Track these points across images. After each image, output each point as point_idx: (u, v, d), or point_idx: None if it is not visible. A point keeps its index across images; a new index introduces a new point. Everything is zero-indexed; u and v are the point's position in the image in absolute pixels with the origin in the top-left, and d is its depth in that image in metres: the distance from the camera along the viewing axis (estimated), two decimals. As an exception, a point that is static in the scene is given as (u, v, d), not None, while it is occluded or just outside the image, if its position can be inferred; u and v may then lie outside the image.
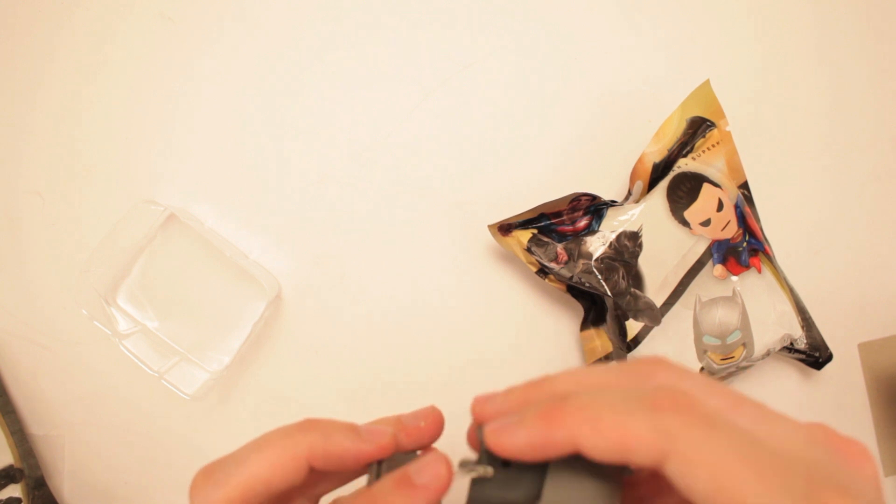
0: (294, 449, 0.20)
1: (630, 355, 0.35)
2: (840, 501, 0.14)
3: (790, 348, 0.37)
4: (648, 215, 0.35)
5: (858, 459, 0.17)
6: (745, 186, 0.37)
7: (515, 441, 0.18)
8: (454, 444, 0.39)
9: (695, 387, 0.17)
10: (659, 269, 0.35)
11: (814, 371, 0.40)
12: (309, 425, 0.21)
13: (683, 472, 0.15)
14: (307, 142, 0.39)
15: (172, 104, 0.39)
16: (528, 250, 0.36)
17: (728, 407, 0.17)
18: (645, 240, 0.35)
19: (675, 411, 0.16)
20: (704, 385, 0.17)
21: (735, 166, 0.37)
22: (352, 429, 0.20)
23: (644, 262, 0.35)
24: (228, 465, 0.20)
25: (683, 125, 0.36)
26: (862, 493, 0.15)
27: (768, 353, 0.36)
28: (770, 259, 0.37)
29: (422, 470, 0.19)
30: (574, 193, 0.35)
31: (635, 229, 0.35)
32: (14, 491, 0.37)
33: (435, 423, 0.24)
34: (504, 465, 0.19)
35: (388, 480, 0.19)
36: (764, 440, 0.16)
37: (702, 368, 0.35)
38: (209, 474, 0.20)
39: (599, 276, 0.35)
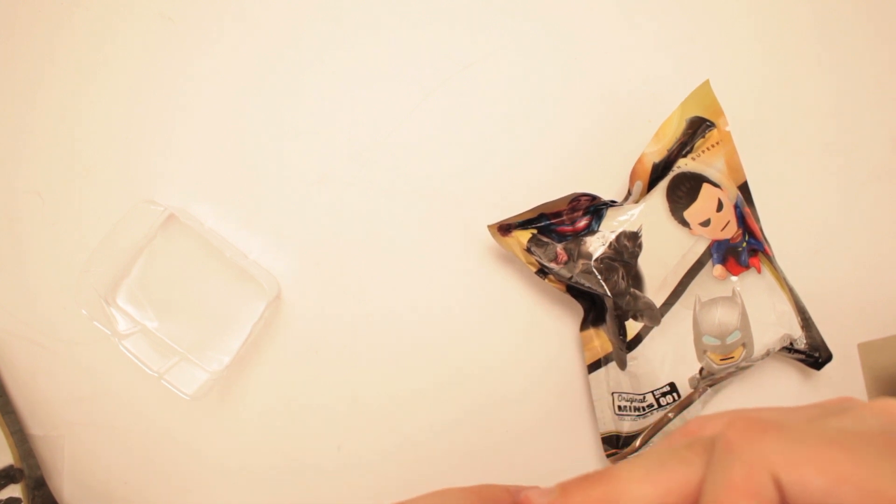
0: None
1: (630, 355, 0.35)
2: None
3: (790, 348, 0.37)
4: (648, 215, 0.35)
5: None
6: (744, 186, 0.37)
7: None
8: (453, 443, 0.39)
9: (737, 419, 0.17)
10: (658, 269, 0.35)
11: (814, 371, 0.40)
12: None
13: (794, 480, 0.15)
14: (307, 142, 0.39)
15: (172, 104, 0.39)
16: (528, 250, 0.36)
17: (777, 412, 0.17)
18: (644, 240, 0.35)
19: (749, 435, 0.16)
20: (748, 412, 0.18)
21: (735, 166, 0.37)
22: None
23: (644, 263, 0.35)
24: None
25: (683, 125, 0.36)
26: None
27: (768, 354, 0.36)
28: (770, 259, 0.37)
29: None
30: (574, 193, 0.35)
31: (635, 229, 0.35)
32: (14, 491, 0.37)
33: None
34: None
35: None
36: (833, 422, 0.16)
37: (701, 369, 0.35)
38: None
39: (599, 277, 0.35)
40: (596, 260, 0.35)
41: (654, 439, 0.37)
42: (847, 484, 0.15)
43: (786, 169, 0.41)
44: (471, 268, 0.39)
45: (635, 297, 0.35)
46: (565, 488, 0.19)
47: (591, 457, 0.39)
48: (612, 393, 0.37)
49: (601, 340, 0.37)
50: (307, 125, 0.39)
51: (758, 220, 0.38)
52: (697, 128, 0.36)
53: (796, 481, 0.15)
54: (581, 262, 0.35)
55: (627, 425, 0.37)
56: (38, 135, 0.39)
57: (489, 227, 0.36)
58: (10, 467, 0.37)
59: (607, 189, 0.39)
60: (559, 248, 0.35)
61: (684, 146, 0.36)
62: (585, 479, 0.19)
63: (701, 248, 0.35)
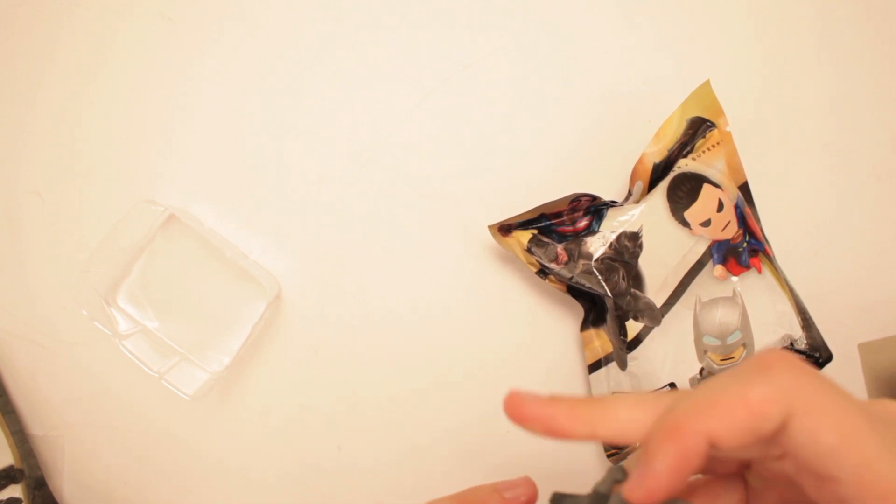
0: None
1: (630, 355, 0.35)
2: None
3: (790, 348, 0.37)
4: (649, 216, 0.35)
5: None
6: (745, 187, 0.37)
7: (659, 478, 0.16)
8: (453, 443, 0.39)
9: None
10: (659, 269, 0.35)
11: (814, 371, 0.40)
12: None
13: (809, 426, 0.15)
14: (307, 142, 0.39)
15: (172, 104, 0.39)
16: (529, 251, 0.36)
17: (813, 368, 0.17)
18: (645, 240, 0.35)
19: (788, 366, 0.16)
20: None
21: (735, 167, 0.37)
22: None
23: (644, 263, 0.35)
24: None
25: (683, 125, 0.36)
26: None
27: (768, 354, 0.36)
28: (770, 259, 0.37)
29: (510, 486, 0.20)
30: (574, 194, 0.35)
31: (635, 230, 0.35)
32: (14, 491, 0.37)
33: (532, 495, 0.24)
34: None
35: None
36: (857, 399, 0.16)
37: (702, 369, 0.35)
38: None
39: (599, 277, 0.35)
40: (596, 260, 0.35)
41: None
42: (854, 453, 0.15)
43: (786, 169, 0.40)
44: (471, 268, 0.39)
45: (636, 298, 0.35)
46: (555, 397, 0.19)
47: (591, 457, 0.39)
48: (613, 393, 0.37)
49: (602, 341, 0.37)
50: (307, 125, 0.39)
51: (758, 220, 0.38)
52: (698, 128, 0.36)
53: (808, 428, 0.15)
54: (581, 262, 0.35)
55: (627, 425, 0.37)
56: (38, 135, 0.39)
57: (489, 227, 0.36)
58: (11, 467, 0.37)
59: (607, 189, 0.39)
60: (560, 248, 0.35)
61: (685, 146, 0.36)
62: (577, 398, 0.19)
63: (701, 248, 0.35)
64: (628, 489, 0.17)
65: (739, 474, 0.20)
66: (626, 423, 0.18)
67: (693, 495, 0.20)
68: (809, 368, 0.16)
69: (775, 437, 0.16)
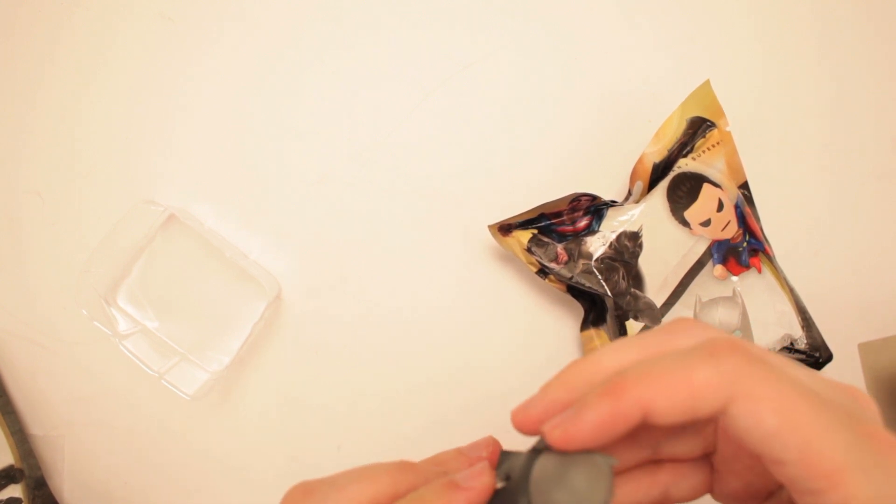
0: (394, 488, 0.20)
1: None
2: (885, 434, 0.16)
3: (790, 348, 0.37)
4: (649, 215, 0.35)
5: (869, 404, 0.18)
6: (745, 186, 0.37)
7: (583, 427, 0.17)
8: (453, 444, 0.39)
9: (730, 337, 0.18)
10: (659, 269, 0.35)
11: (814, 371, 0.40)
12: (409, 467, 0.21)
13: (750, 409, 0.16)
14: (307, 142, 0.39)
15: (172, 104, 0.39)
16: (529, 250, 0.36)
17: (771, 355, 0.17)
18: (645, 240, 0.35)
19: (734, 353, 0.16)
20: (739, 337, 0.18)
21: (735, 166, 0.37)
22: (450, 486, 0.20)
23: (644, 263, 0.35)
24: (328, 488, 0.20)
25: (683, 125, 0.36)
26: (889, 432, 0.16)
27: (768, 354, 0.36)
28: (770, 259, 0.37)
29: (469, 477, 0.20)
30: (574, 193, 0.35)
31: (635, 229, 0.35)
32: (14, 491, 0.37)
33: (496, 454, 0.24)
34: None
35: (436, 483, 0.20)
36: (807, 381, 0.17)
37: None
38: (309, 493, 0.20)
39: (600, 277, 0.35)
40: (596, 260, 0.35)
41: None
42: (796, 435, 0.15)
43: (786, 169, 0.41)
44: (471, 268, 0.39)
45: (636, 297, 0.35)
46: (544, 386, 0.20)
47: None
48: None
49: (602, 340, 0.37)
50: (307, 125, 0.39)
51: (758, 220, 0.38)
52: (698, 128, 0.36)
53: (750, 412, 0.16)
54: (581, 262, 0.35)
55: (628, 425, 0.37)
56: (38, 135, 0.39)
57: (489, 227, 0.36)
58: (11, 467, 0.37)
59: (607, 189, 0.39)
60: (560, 248, 0.35)
61: (685, 146, 0.36)
62: (562, 372, 0.20)
63: (701, 248, 0.35)
64: (550, 425, 0.18)
65: (706, 458, 0.21)
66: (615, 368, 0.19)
67: (659, 473, 0.21)
68: (757, 354, 0.17)
69: (717, 419, 0.17)
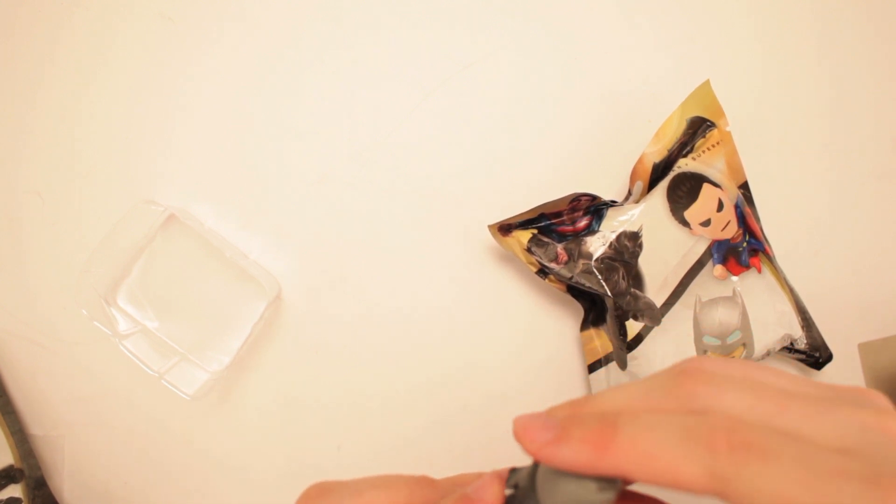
0: (410, 499, 0.20)
1: (630, 355, 0.35)
2: None
3: (790, 348, 0.37)
4: (648, 215, 0.35)
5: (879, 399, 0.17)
6: (745, 186, 0.37)
7: (560, 457, 0.18)
8: (453, 444, 0.39)
9: (739, 399, 0.17)
10: (659, 269, 0.35)
11: (814, 371, 0.40)
12: (428, 483, 0.22)
13: (738, 498, 0.16)
14: (307, 142, 0.39)
15: (172, 104, 0.39)
16: (528, 250, 0.36)
17: (775, 412, 0.17)
18: (645, 240, 0.35)
19: (730, 451, 0.16)
20: (749, 392, 0.17)
21: (735, 166, 0.37)
22: (462, 499, 0.20)
23: (644, 263, 0.35)
24: (344, 491, 0.21)
25: (683, 125, 0.36)
26: None
27: (768, 354, 0.36)
28: (770, 259, 0.37)
29: (479, 489, 0.20)
30: (574, 193, 0.35)
31: (635, 229, 0.35)
32: (14, 491, 0.37)
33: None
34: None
35: (449, 498, 0.20)
36: (816, 440, 0.16)
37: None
38: (326, 493, 0.21)
39: (599, 277, 0.35)
40: (596, 260, 0.35)
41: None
42: None
43: (786, 169, 0.41)
44: (471, 268, 0.39)
45: (636, 297, 0.35)
46: (552, 409, 0.21)
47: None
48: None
49: (601, 340, 0.37)
50: (307, 125, 0.39)
51: (758, 220, 0.38)
52: (698, 128, 0.36)
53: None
54: (581, 262, 0.35)
55: (627, 425, 0.37)
56: (38, 135, 0.39)
57: (489, 227, 0.36)
58: (11, 467, 0.37)
59: (607, 189, 0.39)
60: (559, 248, 0.35)
61: (685, 146, 0.36)
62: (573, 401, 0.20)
63: (701, 248, 0.35)
64: (536, 444, 0.19)
65: None
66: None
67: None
68: (756, 441, 0.16)
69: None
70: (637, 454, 0.17)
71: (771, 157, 0.40)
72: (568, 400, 0.21)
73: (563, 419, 0.19)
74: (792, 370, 0.40)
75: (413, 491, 0.20)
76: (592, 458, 0.17)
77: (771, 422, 0.16)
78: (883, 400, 0.18)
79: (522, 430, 0.20)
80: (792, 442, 0.16)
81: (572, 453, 0.18)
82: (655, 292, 0.35)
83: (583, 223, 0.36)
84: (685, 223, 0.35)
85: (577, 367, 0.39)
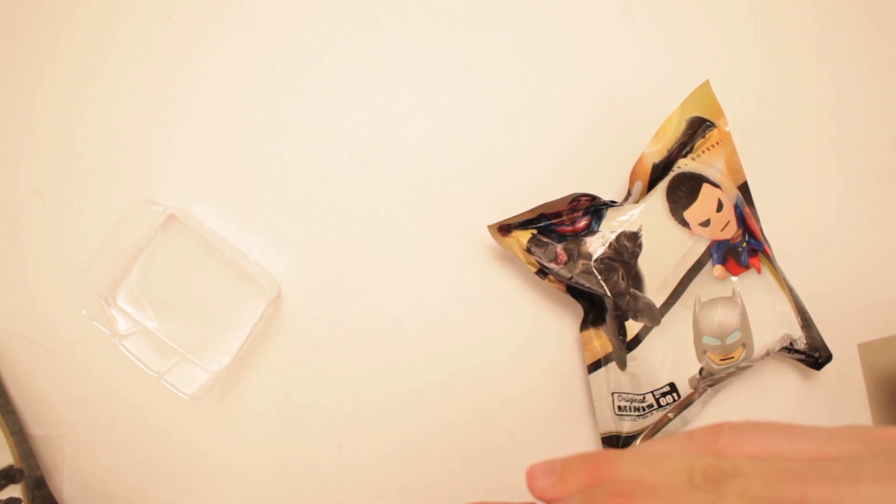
0: None
1: (630, 355, 0.35)
2: None
3: (790, 348, 0.37)
4: (648, 216, 0.35)
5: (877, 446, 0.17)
6: (744, 187, 0.37)
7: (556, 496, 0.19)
8: (453, 444, 0.39)
9: (755, 470, 0.17)
10: (658, 269, 0.35)
11: (813, 371, 0.40)
12: None
13: None
14: (307, 142, 0.39)
15: (172, 104, 0.39)
16: (528, 251, 0.36)
17: (792, 490, 0.17)
18: (644, 240, 0.35)
19: None
20: (773, 477, 0.17)
21: (735, 167, 0.37)
22: None
23: (644, 263, 0.35)
24: None
25: (683, 125, 0.36)
26: None
27: (768, 354, 0.36)
28: (770, 259, 0.37)
29: None
30: (574, 194, 0.35)
31: (635, 230, 0.35)
32: (14, 491, 0.37)
33: None
34: None
35: None
36: None
37: (701, 369, 0.35)
38: None
39: (599, 277, 0.35)
40: (596, 260, 0.35)
41: (655, 439, 0.37)
42: None
43: (786, 169, 0.41)
44: (471, 268, 0.39)
45: (635, 298, 0.35)
46: (566, 466, 0.21)
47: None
48: (613, 393, 0.37)
49: (601, 341, 0.37)
50: (307, 125, 0.39)
51: (758, 220, 0.38)
52: (697, 128, 0.36)
53: None
54: (581, 262, 0.35)
55: (627, 425, 0.37)
56: (38, 135, 0.39)
57: (489, 227, 0.36)
58: (10, 467, 0.37)
59: (607, 189, 0.39)
60: (559, 248, 0.35)
61: (684, 146, 0.36)
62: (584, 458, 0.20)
63: (701, 248, 0.35)
64: (535, 482, 0.20)
65: None
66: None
67: None
68: None
69: None
70: None
71: (771, 157, 0.40)
72: (584, 456, 0.21)
73: (580, 499, 0.19)
74: (792, 370, 0.40)
75: None
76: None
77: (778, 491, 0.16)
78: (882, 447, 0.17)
79: (531, 480, 0.21)
80: None
81: None
82: (655, 292, 0.35)
83: (582, 223, 0.36)
84: (685, 223, 0.35)
85: (576, 367, 0.39)
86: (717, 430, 0.19)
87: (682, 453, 0.19)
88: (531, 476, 0.21)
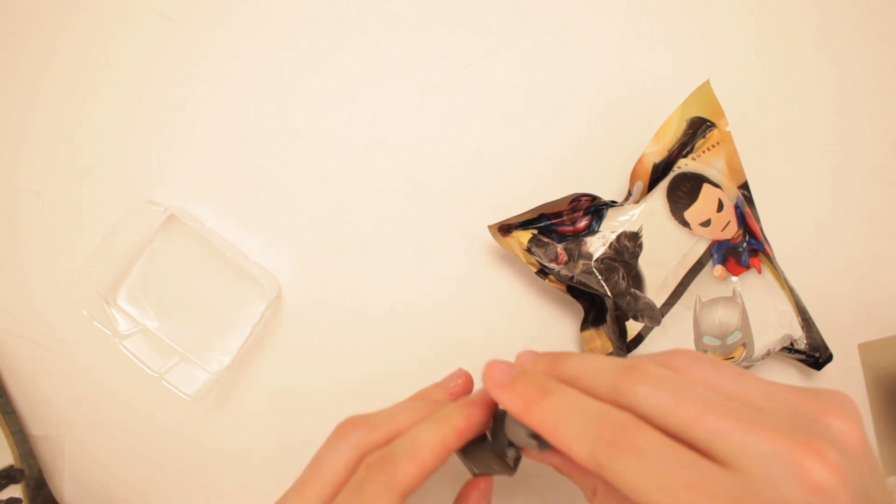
0: (423, 415, 0.27)
1: (630, 355, 0.35)
2: None
3: (790, 348, 0.37)
4: (648, 216, 0.35)
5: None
6: (745, 187, 0.37)
7: (500, 400, 0.24)
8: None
9: (660, 404, 0.20)
10: (659, 269, 0.35)
11: (814, 371, 0.40)
12: (424, 398, 0.30)
13: (612, 482, 0.19)
14: (307, 142, 0.39)
15: (172, 104, 0.39)
16: (529, 251, 0.36)
17: (690, 421, 0.19)
18: (645, 240, 0.35)
19: (609, 446, 0.20)
20: (673, 399, 0.20)
21: (735, 167, 0.37)
22: (468, 403, 0.27)
23: (644, 263, 0.35)
24: (377, 419, 0.26)
25: (683, 125, 0.36)
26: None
27: (768, 354, 0.36)
28: (770, 259, 0.37)
29: (480, 393, 0.27)
30: (574, 194, 0.35)
31: (635, 230, 0.35)
32: (14, 491, 0.37)
33: (468, 381, 0.31)
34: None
35: (455, 404, 0.27)
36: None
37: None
38: (357, 424, 0.27)
39: (599, 277, 0.35)
40: (596, 260, 0.35)
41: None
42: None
43: (786, 169, 0.41)
44: (471, 268, 0.39)
45: (636, 298, 0.35)
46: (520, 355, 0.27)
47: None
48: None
49: (602, 341, 0.37)
50: (307, 125, 0.39)
51: (758, 220, 0.38)
52: (698, 128, 0.36)
53: (615, 484, 0.20)
54: (581, 262, 0.35)
55: (627, 425, 0.37)
56: (38, 135, 0.39)
57: (489, 227, 0.36)
58: (11, 467, 0.37)
59: (607, 189, 0.39)
60: (559, 248, 0.35)
61: (685, 146, 0.36)
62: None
63: (701, 248, 0.35)
64: (490, 383, 0.25)
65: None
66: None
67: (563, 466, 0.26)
68: (635, 441, 0.19)
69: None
70: (547, 422, 0.22)
71: (771, 158, 0.40)
72: (553, 353, 0.25)
73: (519, 372, 0.24)
74: (792, 370, 0.40)
75: (424, 409, 0.26)
76: (518, 411, 0.23)
77: (681, 428, 0.19)
78: (843, 423, 0.19)
79: (488, 368, 0.25)
80: (671, 451, 0.19)
81: (507, 401, 0.23)
82: (655, 292, 0.35)
83: (583, 223, 0.36)
84: (685, 223, 0.35)
85: (577, 367, 0.39)
86: (677, 350, 0.22)
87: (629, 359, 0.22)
88: (491, 369, 0.25)
